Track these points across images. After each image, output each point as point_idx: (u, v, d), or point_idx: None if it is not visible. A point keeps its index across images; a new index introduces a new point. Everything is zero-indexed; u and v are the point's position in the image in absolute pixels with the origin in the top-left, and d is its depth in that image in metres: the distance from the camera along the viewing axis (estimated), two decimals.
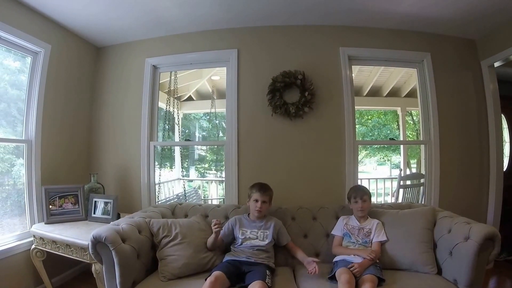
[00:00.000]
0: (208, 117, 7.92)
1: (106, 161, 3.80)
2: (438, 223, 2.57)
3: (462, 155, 3.58)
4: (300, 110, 3.38)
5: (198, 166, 9.02)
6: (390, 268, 2.43)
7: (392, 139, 7.73)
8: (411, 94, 6.26)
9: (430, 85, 3.56)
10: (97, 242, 2.16)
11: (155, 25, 3.46)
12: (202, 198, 6.85)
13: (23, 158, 3.07)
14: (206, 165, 9.20)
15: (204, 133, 8.71)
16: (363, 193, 2.67)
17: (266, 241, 2.55)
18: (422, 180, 4.10)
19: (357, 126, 3.72)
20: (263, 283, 2.10)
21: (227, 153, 3.55)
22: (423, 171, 3.78)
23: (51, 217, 3.02)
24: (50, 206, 3.05)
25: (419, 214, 2.66)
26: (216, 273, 2.17)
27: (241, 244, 2.55)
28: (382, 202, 4.71)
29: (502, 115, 3.90)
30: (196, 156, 8.91)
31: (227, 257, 2.51)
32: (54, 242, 2.76)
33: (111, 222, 2.50)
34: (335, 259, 2.51)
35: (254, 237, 2.57)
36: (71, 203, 3.16)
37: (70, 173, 3.52)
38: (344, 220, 2.71)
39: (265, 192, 2.65)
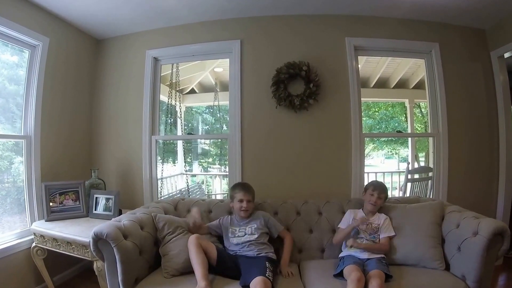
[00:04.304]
0: (211, 110, 7.86)
1: (107, 156, 3.76)
2: (447, 217, 2.53)
3: (471, 148, 3.51)
4: (305, 102, 3.32)
5: (202, 160, 9.00)
6: (397, 264, 2.40)
7: (400, 131, 7.63)
8: (419, 85, 6.17)
9: (438, 76, 3.48)
10: (98, 239, 2.13)
11: (155, 15, 3.39)
12: (206, 193, 6.81)
13: (22, 156, 3.03)
14: (210, 160, 9.18)
15: (207, 127, 8.66)
16: (382, 190, 2.63)
17: (256, 235, 2.51)
18: (430, 174, 4.04)
19: (364, 118, 3.67)
20: (264, 278, 2.04)
21: (231, 146, 3.50)
22: (431, 165, 3.72)
23: (52, 214, 2.99)
24: (51, 203, 3.01)
25: (427, 208, 2.62)
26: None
27: (234, 244, 2.52)
28: (390, 196, 4.65)
29: None
30: (199, 150, 8.88)
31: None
32: (54, 239, 2.73)
33: (113, 219, 2.46)
34: (341, 255, 2.48)
35: (242, 234, 2.54)
36: (72, 200, 3.12)
37: (70, 169, 3.47)
38: (351, 214, 2.66)
39: (249, 191, 2.65)
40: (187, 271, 2.30)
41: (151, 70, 3.67)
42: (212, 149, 9.20)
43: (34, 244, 2.87)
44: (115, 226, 2.19)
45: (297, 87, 3.37)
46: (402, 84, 6.55)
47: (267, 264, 2.23)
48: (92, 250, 2.21)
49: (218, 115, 6.86)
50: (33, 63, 3.09)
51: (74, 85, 3.58)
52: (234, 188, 2.72)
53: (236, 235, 2.54)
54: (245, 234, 2.53)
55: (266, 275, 2.09)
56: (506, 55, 3.47)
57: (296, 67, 3.32)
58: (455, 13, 3.33)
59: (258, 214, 2.67)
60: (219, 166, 8.56)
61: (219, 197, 6.42)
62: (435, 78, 3.51)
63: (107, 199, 3.10)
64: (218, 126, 7.29)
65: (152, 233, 2.45)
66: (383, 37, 3.47)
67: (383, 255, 2.38)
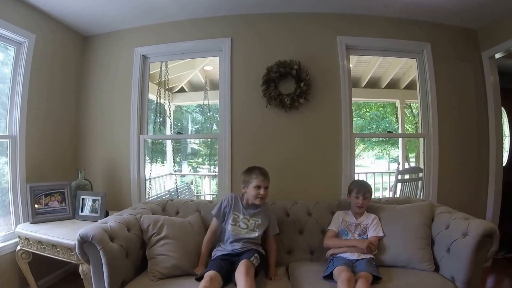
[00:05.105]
0: (201, 109, 7.80)
1: (94, 156, 3.69)
2: (436, 218, 2.53)
3: (461, 149, 3.52)
4: (296, 102, 3.29)
5: (191, 160, 8.93)
6: (386, 265, 2.40)
7: (390, 132, 7.66)
8: (411, 85, 6.20)
9: (429, 76, 3.47)
10: (84, 241, 2.08)
11: (144, 11, 3.34)
12: (195, 193, 6.77)
13: (6, 156, 2.96)
14: (200, 160, 9.11)
15: (197, 126, 8.59)
16: (366, 190, 2.59)
17: (257, 233, 2.44)
18: (420, 174, 4.06)
19: (355, 118, 3.67)
20: (247, 261, 2.08)
21: (220, 146, 3.46)
22: (421, 165, 3.72)
23: (37, 217, 2.91)
24: (36, 205, 2.93)
25: (417, 209, 2.62)
26: (210, 273, 2.07)
27: (230, 239, 2.44)
28: (380, 197, 4.67)
29: (502, 108, 3.83)
30: (188, 150, 8.81)
31: (217, 253, 2.43)
32: (39, 242, 2.67)
33: (99, 220, 2.41)
34: (330, 256, 2.46)
35: (244, 227, 2.45)
36: (58, 201, 3.05)
37: (56, 169, 3.40)
38: (340, 216, 2.64)
39: (267, 177, 2.48)
40: (174, 275, 2.28)
41: (140, 67, 3.60)
42: (202, 149, 9.14)
43: (18, 247, 2.80)
44: (101, 228, 2.14)
45: (288, 86, 3.34)
46: (393, 84, 6.57)
47: (255, 254, 2.24)
48: (77, 253, 2.16)
49: (208, 114, 6.82)
50: (19, 60, 3.02)
51: (60, 83, 3.50)
52: (250, 172, 2.50)
53: (237, 225, 2.46)
54: (247, 228, 2.46)
55: (251, 259, 2.13)
56: (497, 55, 3.48)
57: (287, 65, 3.29)
58: (447, 13, 3.32)
59: (266, 208, 2.57)
60: (208, 167, 8.49)
61: (208, 197, 6.41)
62: (426, 78, 3.51)
63: (94, 201, 3.04)
64: (208, 125, 7.24)
65: (139, 235, 2.41)
66: (375, 36, 3.45)
67: (372, 256, 2.37)
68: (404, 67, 5.90)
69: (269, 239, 2.54)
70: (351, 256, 2.35)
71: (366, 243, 2.38)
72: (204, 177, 7.24)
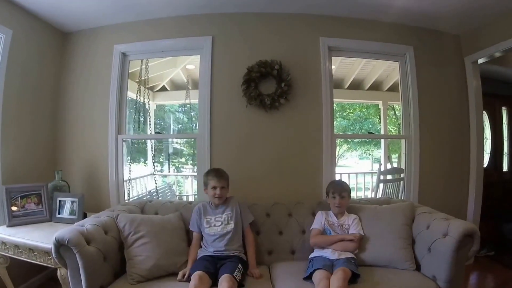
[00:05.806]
0: (184, 108, 7.70)
1: (72, 156, 3.58)
2: (417, 219, 2.57)
3: (442, 151, 3.57)
4: (276, 102, 3.28)
5: (174, 160, 8.82)
6: (368, 265, 2.42)
7: (371, 133, 7.71)
8: (394, 88, 6.26)
9: (411, 79, 3.52)
10: (60, 245, 2.04)
11: (124, 8, 3.26)
12: (177, 194, 6.71)
13: None
14: (183, 159, 9.00)
15: (180, 126, 8.49)
16: (342, 189, 2.61)
17: (232, 224, 2.53)
18: (402, 175, 4.10)
19: (338, 119, 3.71)
20: (230, 277, 2.09)
21: (200, 146, 3.41)
22: (403, 166, 3.76)
23: (14, 219, 2.81)
24: (13, 207, 2.83)
25: (398, 209, 2.65)
26: (199, 273, 2.11)
27: (210, 240, 2.49)
28: (362, 197, 4.69)
29: (484, 112, 3.89)
30: (171, 150, 8.70)
31: (200, 253, 2.46)
32: (16, 246, 2.57)
33: (76, 223, 2.36)
34: (311, 256, 2.47)
35: (218, 224, 2.53)
36: (34, 203, 2.95)
37: (33, 170, 3.28)
38: (323, 215, 2.65)
39: (222, 178, 2.62)
40: (153, 277, 2.26)
41: (119, 65, 3.51)
42: (185, 149, 9.04)
43: None
44: (78, 231, 2.10)
45: (269, 87, 3.32)
46: (376, 86, 6.62)
47: (239, 266, 2.25)
48: (54, 257, 2.11)
49: (191, 113, 6.74)
50: None
51: (38, 81, 3.39)
52: (207, 174, 2.68)
53: (212, 225, 2.54)
54: (221, 223, 2.53)
55: (234, 274, 2.13)
56: (480, 61, 3.53)
57: (268, 66, 3.28)
58: (431, 17, 3.36)
59: (234, 201, 2.67)
60: (191, 167, 8.40)
61: (190, 198, 6.33)
62: (408, 81, 3.54)
63: (72, 202, 2.96)
64: (191, 125, 7.16)
65: (116, 237, 2.37)
66: (358, 39, 3.47)
67: (352, 256, 2.38)
68: (387, 70, 5.95)
69: (245, 230, 2.61)
70: (332, 255, 2.36)
71: (352, 235, 2.43)
72: (187, 177, 7.16)
